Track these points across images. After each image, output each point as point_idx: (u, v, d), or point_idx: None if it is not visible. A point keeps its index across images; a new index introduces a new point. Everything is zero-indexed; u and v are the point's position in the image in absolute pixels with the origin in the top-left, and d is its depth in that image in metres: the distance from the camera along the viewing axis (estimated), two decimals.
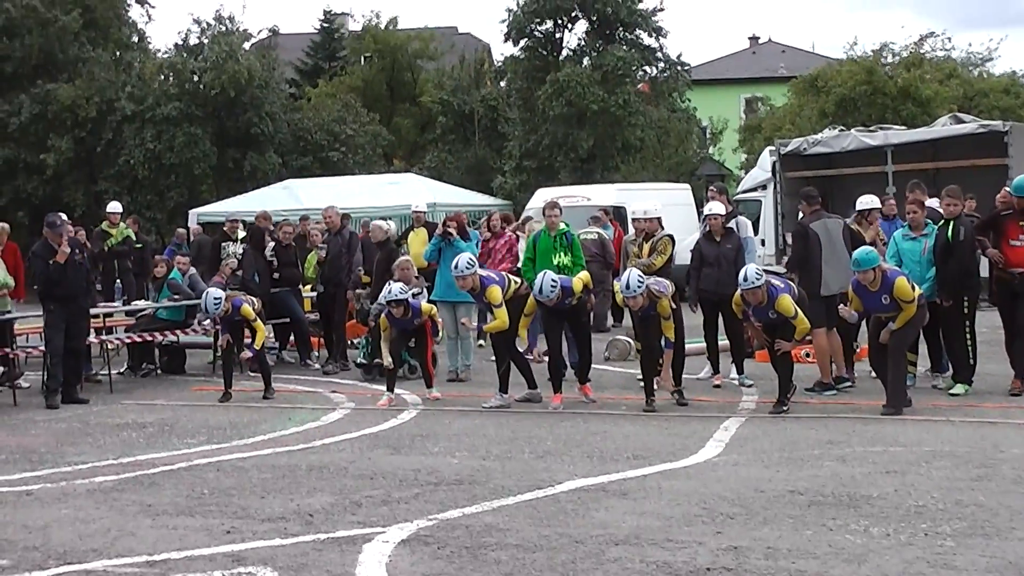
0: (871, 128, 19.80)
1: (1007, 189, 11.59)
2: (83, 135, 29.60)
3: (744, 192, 20.95)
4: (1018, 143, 16.43)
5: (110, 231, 17.25)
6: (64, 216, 13.31)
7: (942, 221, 10.93)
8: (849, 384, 11.40)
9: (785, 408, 10.22)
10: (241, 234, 16.02)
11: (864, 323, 11.09)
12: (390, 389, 11.63)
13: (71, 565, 6.28)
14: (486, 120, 34.07)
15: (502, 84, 35.98)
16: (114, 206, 18.14)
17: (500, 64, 36.24)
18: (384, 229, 14.38)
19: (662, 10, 32.52)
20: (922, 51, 32.58)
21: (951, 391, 10.90)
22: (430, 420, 10.86)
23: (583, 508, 7.33)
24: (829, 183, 15.91)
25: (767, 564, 5.74)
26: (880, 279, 9.74)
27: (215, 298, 11.96)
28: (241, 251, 15.02)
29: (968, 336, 10.85)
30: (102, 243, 16.98)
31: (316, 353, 15.32)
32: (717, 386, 11.92)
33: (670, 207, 14.84)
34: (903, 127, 20.16)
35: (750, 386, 11.81)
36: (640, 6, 32.27)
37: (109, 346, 14.09)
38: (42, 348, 13.07)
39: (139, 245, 17.83)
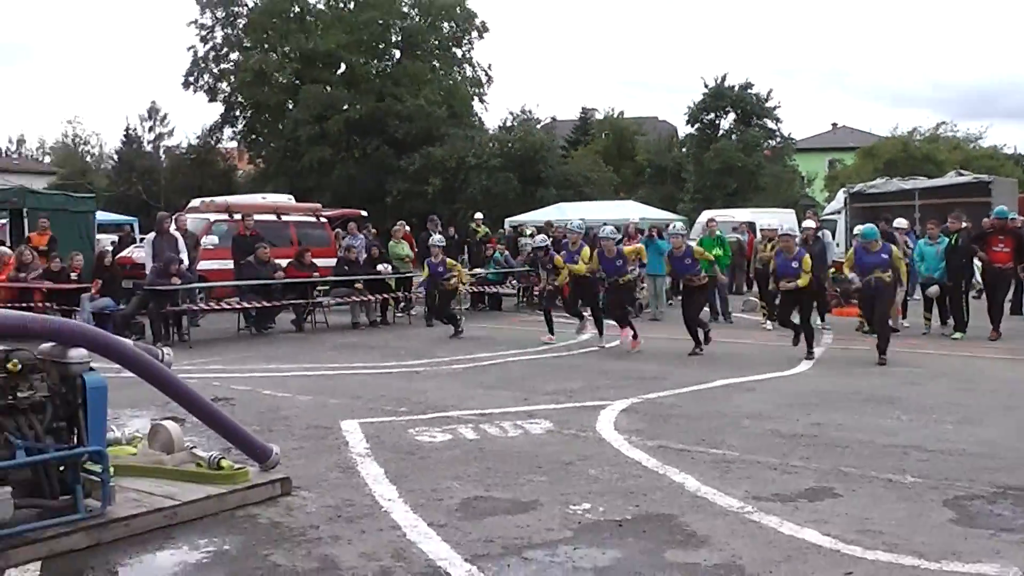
0: (905, 178, 24.76)
1: (993, 215, 15.16)
2: (447, 176, 39.25)
3: (827, 215, 25.12)
4: (997, 189, 21.06)
5: (477, 229, 22.55)
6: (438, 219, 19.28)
7: (951, 234, 14.29)
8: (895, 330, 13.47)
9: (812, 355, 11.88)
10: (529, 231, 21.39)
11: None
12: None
13: (438, 412, 8.33)
14: (674, 170, 43.02)
15: (683, 149, 45.57)
16: (478, 216, 23.74)
17: (683, 138, 46.54)
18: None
19: (779, 107, 42.00)
20: (938, 132, 45.43)
21: (952, 336, 14.05)
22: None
23: (726, 396, 9.31)
24: (879, 212, 18.71)
25: (838, 434, 7.34)
26: (881, 246, 11.79)
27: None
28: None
29: (964, 303, 14.40)
30: (474, 235, 22.23)
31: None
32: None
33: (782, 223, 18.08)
34: (925, 178, 24.76)
35: (828, 330, 14.67)
36: (767, 104, 41.42)
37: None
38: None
39: (485, 236, 22.68)
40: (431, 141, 41.52)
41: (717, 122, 42.66)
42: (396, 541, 4.93)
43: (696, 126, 42.86)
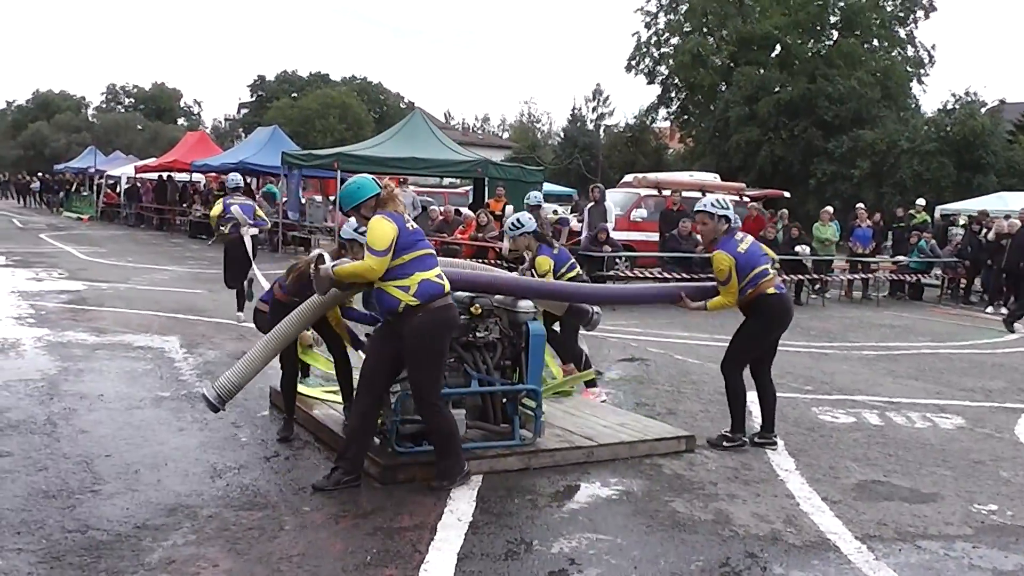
0: None
1: None
2: (876, 160, 36.14)
3: None
4: None
5: (916, 215, 19.74)
6: None
7: None
8: None
9: None
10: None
11: None
12: None
13: (844, 395, 8.15)
14: None
15: None
16: (920, 202, 20.87)
17: None
18: None
19: None
20: None
21: None
22: None
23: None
24: None
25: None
26: None
27: None
28: None
29: None
30: (909, 220, 19.55)
31: None
32: None
33: None
34: None
35: None
36: None
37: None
38: None
39: (923, 223, 19.84)
40: (861, 123, 39.16)
41: None
42: (788, 508, 4.98)
43: None
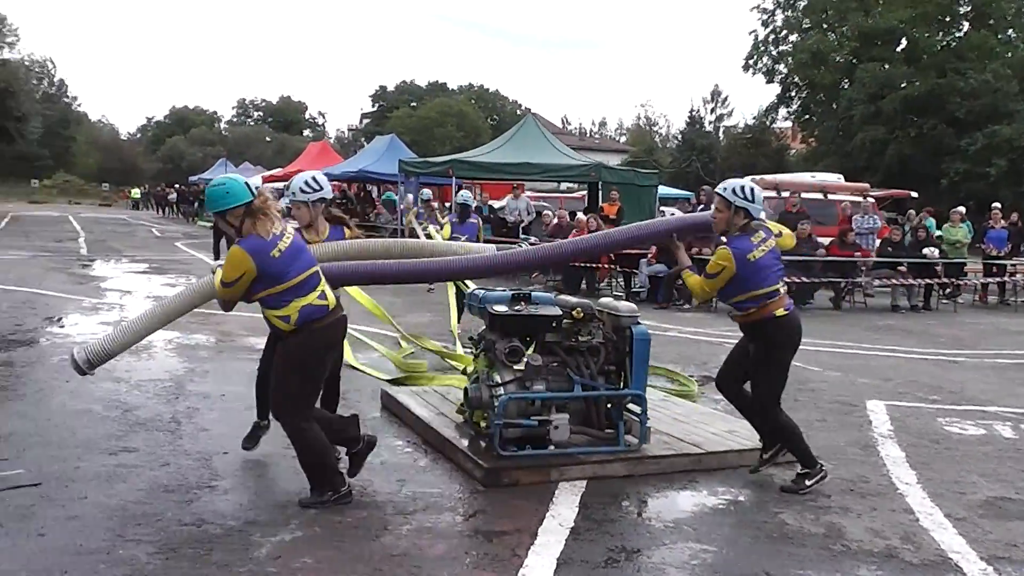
0: None
1: None
2: (1014, 157, 34.58)
3: None
4: None
5: None
6: None
7: None
8: None
9: None
10: None
11: None
12: None
13: (974, 406, 7.67)
14: None
15: None
16: None
17: None
18: None
19: None
20: None
21: None
22: None
23: None
24: None
25: None
26: None
27: None
28: None
29: None
30: None
31: None
32: None
33: None
34: None
35: None
36: None
37: None
38: None
39: None
40: (997, 119, 37.08)
41: None
42: (907, 525, 4.73)
43: None
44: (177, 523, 4.40)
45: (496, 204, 22.64)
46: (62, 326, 10.43)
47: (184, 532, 4.30)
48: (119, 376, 7.57)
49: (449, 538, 4.36)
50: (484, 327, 5.69)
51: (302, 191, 5.45)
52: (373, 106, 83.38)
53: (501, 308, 5.49)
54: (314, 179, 5.50)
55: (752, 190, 5.16)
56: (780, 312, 5.13)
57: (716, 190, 5.29)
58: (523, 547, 4.23)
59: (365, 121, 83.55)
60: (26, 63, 75.24)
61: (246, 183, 4.55)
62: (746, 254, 5.03)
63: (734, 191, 5.13)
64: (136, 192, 64.10)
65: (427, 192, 17.46)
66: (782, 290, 5.19)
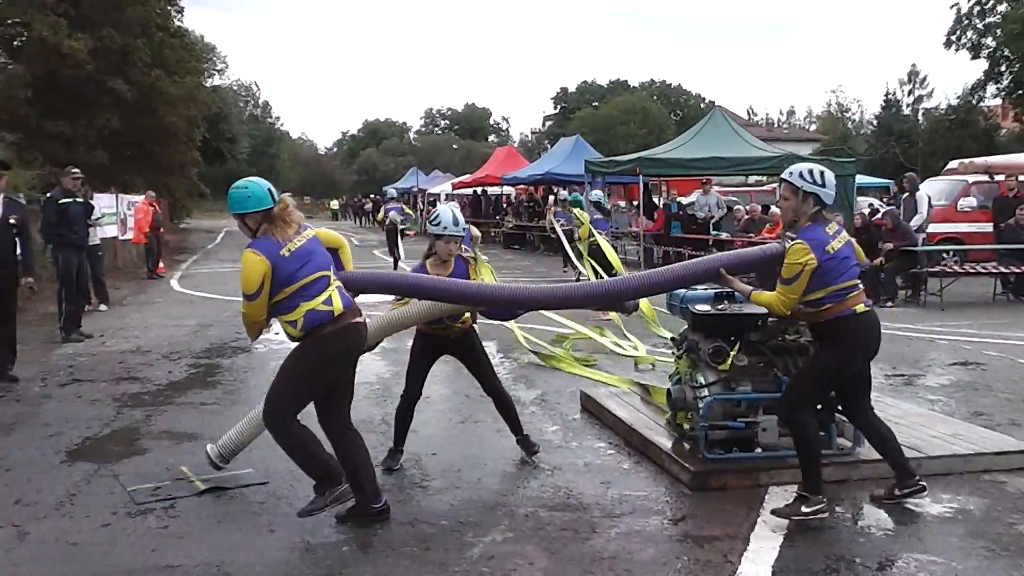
0: None
1: None
2: None
3: None
4: None
5: None
6: None
7: None
8: None
9: None
10: None
11: None
12: None
13: None
14: None
15: None
16: None
17: None
18: None
19: None
20: None
21: None
22: None
23: None
24: None
25: None
26: None
27: None
28: None
29: None
30: None
31: None
32: None
33: None
34: None
35: None
36: None
37: None
38: None
39: None
40: None
41: None
42: None
43: None
44: (395, 522, 4.59)
45: (684, 200, 22.26)
46: (276, 334, 11.12)
47: (401, 531, 4.48)
48: None
49: (658, 542, 4.31)
50: (685, 327, 5.60)
51: (455, 225, 5.39)
52: (555, 108, 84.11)
53: (704, 307, 5.40)
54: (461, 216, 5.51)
55: (823, 173, 4.68)
56: (861, 308, 4.56)
57: (782, 175, 4.84)
58: (735, 553, 4.13)
59: (548, 123, 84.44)
60: (234, 88, 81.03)
61: (269, 189, 4.54)
62: (824, 245, 4.49)
63: (801, 175, 4.65)
64: (334, 204, 67.74)
65: (597, 193, 17.40)
66: (860, 285, 4.65)
